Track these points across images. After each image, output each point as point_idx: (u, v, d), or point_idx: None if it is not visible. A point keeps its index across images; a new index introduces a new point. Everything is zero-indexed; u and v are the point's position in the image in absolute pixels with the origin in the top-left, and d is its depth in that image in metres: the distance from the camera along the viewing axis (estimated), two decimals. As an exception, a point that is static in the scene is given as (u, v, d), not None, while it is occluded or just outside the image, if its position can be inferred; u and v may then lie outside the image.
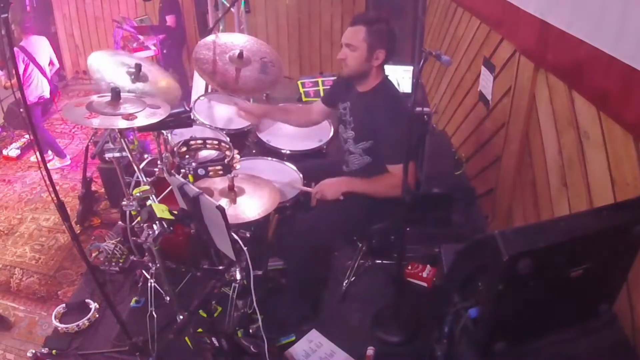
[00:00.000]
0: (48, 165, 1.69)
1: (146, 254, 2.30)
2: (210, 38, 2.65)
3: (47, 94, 4.47)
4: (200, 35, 4.86)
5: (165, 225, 1.82)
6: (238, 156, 2.19)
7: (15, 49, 4.08)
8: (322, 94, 4.06)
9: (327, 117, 2.66)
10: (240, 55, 2.58)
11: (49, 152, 4.47)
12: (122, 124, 1.77)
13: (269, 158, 2.59)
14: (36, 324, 2.73)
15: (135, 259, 2.58)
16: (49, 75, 4.49)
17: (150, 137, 3.52)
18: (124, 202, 2.01)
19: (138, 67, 2.25)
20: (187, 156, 2.17)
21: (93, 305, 2.55)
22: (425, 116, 2.93)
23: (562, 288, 1.28)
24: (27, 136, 4.79)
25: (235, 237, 1.68)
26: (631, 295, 1.58)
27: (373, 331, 2.33)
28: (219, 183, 2.05)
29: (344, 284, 2.57)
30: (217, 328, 1.98)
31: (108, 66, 2.26)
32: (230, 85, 2.57)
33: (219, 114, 2.92)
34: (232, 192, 1.96)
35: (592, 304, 1.40)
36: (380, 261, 2.66)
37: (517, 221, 2.56)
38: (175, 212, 1.80)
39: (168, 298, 2.23)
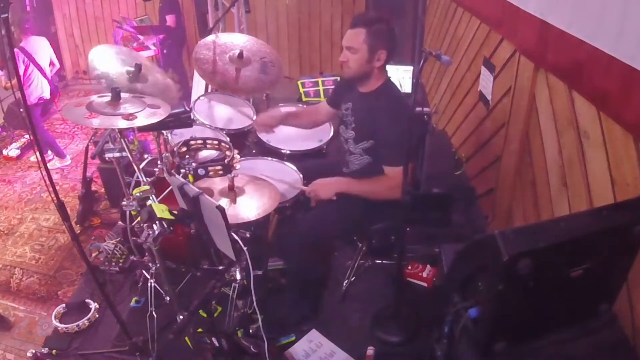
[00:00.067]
0: (48, 165, 1.69)
1: (146, 254, 2.30)
2: (210, 38, 2.65)
3: (47, 95, 4.47)
4: (200, 35, 4.86)
5: (165, 225, 1.82)
6: (238, 156, 2.19)
7: (15, 49, 4.08)
8: (322, 93, 4.06)
9: (332, 118, 2.67)
10: (240, 55, 2.59)
11: (49, 152, 4.47)
12: (122, 124, 1.77)
13: (269, 158, 2.59)
14: (36, 324, 2.73)
15: (135, 259, 2.59)
16: (49, 76, 4.49)
17: (150, 137, 3.52)
18: (124, 202, 2.01)
19: (138, 67, 2.25)
20: (187, 156, 2.17)
21: (93, 305, 2.55)
22: (425, 116, 2.93)
23: (562, 288, 1.28)
24: (27, 136, 4.79)
25: (235, 237, 1.68)
26: (631, 295, 1.58)
27: (373, 331, 2.33)
28: (219, 183, 2.05)
29: (344, 284, 2.57)
30: (217, 328, 1.98)
31: (109, 64, 2.26)
32: (230, 85, 2.57)
33: (219, 114, 2.92)
34: (232, 192, 1.96)
35: (592, 304, 1.40)
36: (380, 261, 2.66)
37: (517, 221, 2.56)
38: (175, 212, 1.80)
39: (168, 298, 2.23)
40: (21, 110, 1.64)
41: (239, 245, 1.69)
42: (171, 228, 1.84)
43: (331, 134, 2.80)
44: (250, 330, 2.11)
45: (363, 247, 2.60)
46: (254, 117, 2.89)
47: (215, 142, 2.25)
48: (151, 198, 1.93)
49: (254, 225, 2.17)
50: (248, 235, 2.15)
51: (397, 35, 2.13)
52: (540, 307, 1.29)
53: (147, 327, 2.11)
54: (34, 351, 2.30)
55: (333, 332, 2.33)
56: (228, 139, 2.43)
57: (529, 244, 1.15)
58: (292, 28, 5.98)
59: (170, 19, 5.26)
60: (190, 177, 2.07)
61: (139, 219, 1.96)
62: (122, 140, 1.96)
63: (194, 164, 2.08)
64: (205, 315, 1.96)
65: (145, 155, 2.56)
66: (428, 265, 2.70)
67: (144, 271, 2.50)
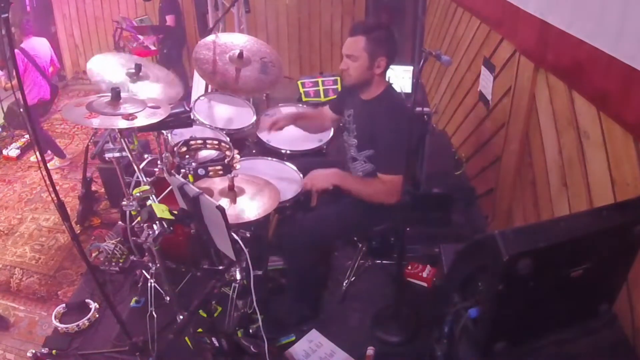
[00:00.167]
0: (48, 165, 1.69)
1: (146, 254, 2.30)
2: (210, 38, 2.65)
3: (47, 96, 4.46)
4: (200, 35, 4.86)
5: (165, 225, 1.82)
6: (238, 156, 2.19)
7: (16, 50, 4.08)
8: (322, 93, 4.07)
9: (336, 124, 2.67)
10: (240, 55, 2.59)
11: (48, 151, 4.47)
12: (122, 124, 1.77)
13: (269, 158, 2.59)
14: (36, 324, 2.73)
15: (135, 259, 2.59)
16: (50, 77, 4.49)
17: (150, 137, 3.52)
18: (124, 202, 2.01)
19: (138, 67, 2.25)
20: (187, 156, 2.17)
21: (93, 305, 2.55)
22: (425, 116, 2.94)
23: (562, 288, 1.28)
24: (27, 136, 4.79)
25: (235, 237, 1.68)
26: (631, 295, 1.58)
27: (373, 331, 2.33)
28: (219, 183, 2.05)
29: (344, 284, 2.57)
30: (217, 328, 1.98)
31: (108, 69, 2.26)
32: (230, 85, 2.57)
33: (219, 114, 2.92)
34: (232, 192, 1.96)
35: (592, 304, 1.40)
36: (380, 261, 2.66)
37: (517, 221, 2.56)
38: (175, 212, 1.80)
39: (168, 298, 2.23)
40: (21, 110, 1.64)
41: (239, 245, 1.69)
42: (171, 228, 1.83)
43: (331, 134, 2.80)
44: (250, 330, 2.11)
45: (363, 247, 2.60)
46: (254, 118, 2.89)
47: (215, 142, 2.25)
48: (151, 198, 1.93)
49: (254, 225, 2.17)
50: (248, 235, 2.15)
51: (397, 42, 2.14)
52: (540, 307, 1.29)
53: (147, 327, 2.11)
54: (34, 351, 2.31)
55: (333, 332, 2.33)
56: (228, 139, 2.43)
57: (529, 244, 1.16)
58: (292, 28, 5.98)
59: (170, 19, 5.26)
60: (190, 177, 2.07)
61: (139, 219, 1.96)
62: (122, 140, 1.96)
63: (194, 164, 2.08)
64: (205, 315, 1.97)
65: (145, 155, 2.56)
66: (428, 265, 2.70)
67: (144, 271, 2.50)
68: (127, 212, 2.29)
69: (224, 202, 1.91)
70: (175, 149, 2.16)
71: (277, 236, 2.33)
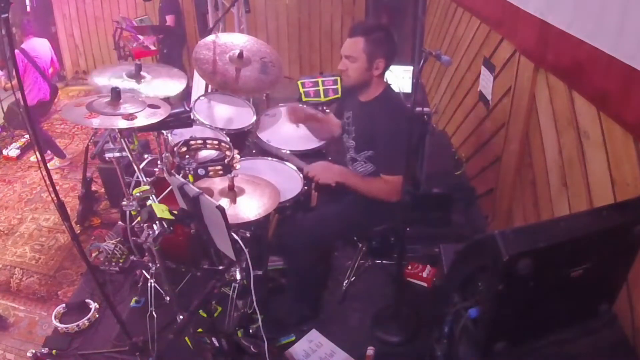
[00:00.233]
0: (48, 165, 1.69)
1: (146, 254, 2.30)
2: (210, 38, 2.65)
3: (46, 97, 4.46)
4: (200, 35, 4.86)
5: (165, 225, 1.82)
6: (238, 156, 2.19)
7: (16, 51, 4.08)
8: (322, 93, 4.06)
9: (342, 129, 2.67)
10: (240, 55, 2.58)
11: (48, 151, 4.47)
12: (122, 124, 1.77)
13: (269, 158, 2.59)
14: (36, 324, 2.73)
15: (135, 259, 2.58)
16: (50, 78, 4.49)
17: (150, 137, 3.51)
18: (124, 202, 2.01)
19: (138, 66, 2.25)
20: (187, 156, 2.17)
21: (93, 305, 2.55)
22: (425, 116, 2.94)
23: (562, 288, 1.28)
24: (27, 136, 4.79)
25: (235, 237, 1.68)
26: (631, 295, 1.58)
27: (373, 331, 2.33)
28: (219, 183, 2.05)
29: (344, 284, 2.57)
30: (217, 328, 1.98)
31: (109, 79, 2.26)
32: (230, 85, 2.57)
33: (219, 114, 2.91)
34: (232, 192, 1.96)
35: (592, 304, 1.40)
36: (380, 261, 2.66)
37: (517, 221, 2.56)
38: (175, 212, 1.80)
39: (168, 298, 2.23)
40: (21, 110, 1.64)
41: (239, 245, 1.69)
42: (171, 228, 1.83)
43: (331, 134, 2.80)
44: (250, 330, 2.11)
45: (363, 247, 2.60)
46: (254, 118, 2.89)
47: (215, 142, 2.25)
48: (151, 198, 1.93)
49: (254, 225, 2.17)
50: (248, 235, 2.15)
51: (396, 43, 2.14)
52: (540, 307, 1.29)
53: (147, 327, 2.11)
54: (34, 351, 2.31)
55: (333, 332, 2.33)
56: (228, 139, 2.43)
57: (529, 244, 1.16)
58: (292, 28, 5.98)
59: (170, 19, 5.26)
60: (190, 177, 2.07)
61: (139, 219, 1.96)
62: (122, 140, 1.96)
63: (194, 164, 2.08)
64: (205, 315, 1.96)
65: (145, 155, 2.56)
66: (428, 265, 2.70)
67: (144, 271, 2.50)
68: (127, 212, 2.28)
69: (224, 202, 1.90)
70: (175, 149, 2.16)
71: (277, 236, 2.33)
